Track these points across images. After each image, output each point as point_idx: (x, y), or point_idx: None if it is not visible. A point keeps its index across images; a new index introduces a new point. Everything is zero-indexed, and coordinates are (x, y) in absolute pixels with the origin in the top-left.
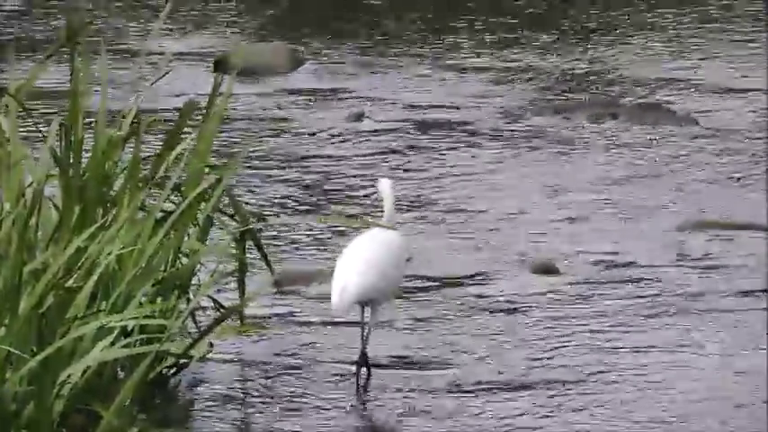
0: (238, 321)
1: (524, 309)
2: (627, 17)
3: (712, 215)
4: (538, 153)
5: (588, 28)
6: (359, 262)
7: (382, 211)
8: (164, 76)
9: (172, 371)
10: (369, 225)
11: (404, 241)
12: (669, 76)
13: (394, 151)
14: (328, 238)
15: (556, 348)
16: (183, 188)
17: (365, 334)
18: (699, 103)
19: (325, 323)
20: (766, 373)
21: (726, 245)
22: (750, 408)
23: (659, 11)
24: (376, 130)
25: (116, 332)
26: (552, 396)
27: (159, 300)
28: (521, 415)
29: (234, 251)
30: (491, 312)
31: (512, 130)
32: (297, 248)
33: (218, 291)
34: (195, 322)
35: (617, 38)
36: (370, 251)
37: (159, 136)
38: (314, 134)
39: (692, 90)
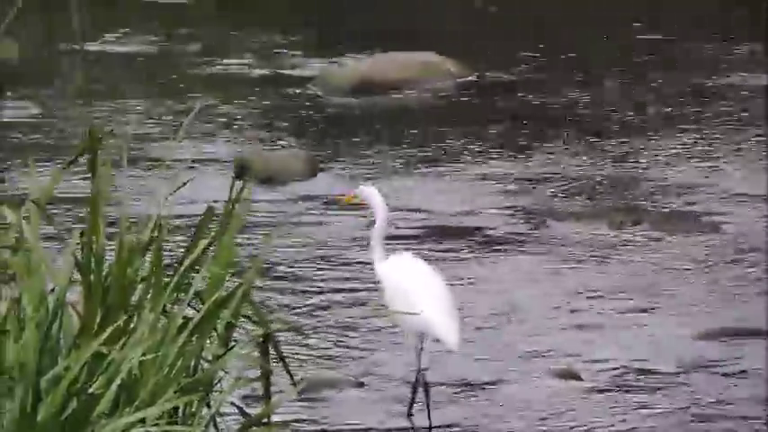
0: (264, 428)
1: (547, 415)
2: (650, 120)
3: (732, 322)
4: (559, 260)
5: (610, 131)
6: (444, 300)
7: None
8: (184, 185)
9: None
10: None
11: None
12: (693, 180)
13: None
14: (348, 345)
15: None
16: (204, 294)
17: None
18: (722, 208)
19: (351, 429)
20: None
21: (743, 352)
22: None
23: (684, 112)
24: (395, 237)
25: None
26: None
27: (181, 406)
28: None
29: (256, 357)
30: (513, 417)
31: (532, 237)
32: (319, 353)
33: (243, 397)
34: (217, 428)
35: (640, 141)
36: (440, 287)
37: (180, 242)
38: (331, 240)
39: (716, 195)
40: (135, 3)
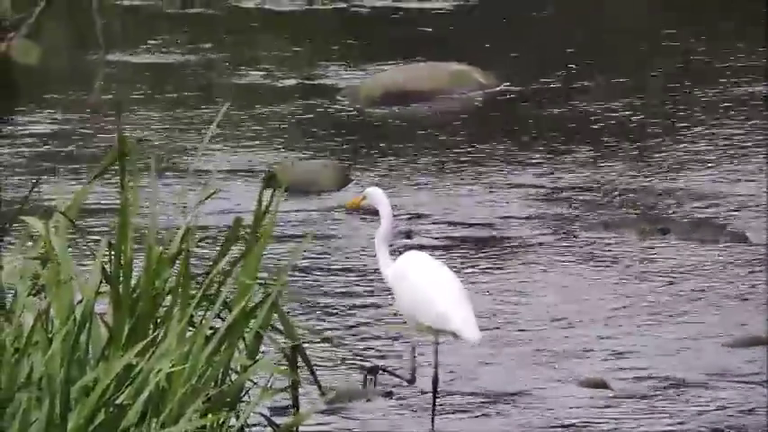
0: None
1: (575, 425)
2: (677, 128)
3: (760, 330)
4: (587, 268)
5: (637, 140)
6: (457, 294)
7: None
8: (212, 194)
9: None
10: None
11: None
12: (719, 189)
13: None
14: (377, 355)
15: None
16: (232, 304)
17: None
18: (749, 217)
19: None
20: None
21: None
22: None
23: (711, 120)
24: (424, 247)
25: None
26: None
27: (209, 416)
28: None
29: (284, 367)
30: (542, 428)
31: (560, 246)
32: (346, 363)
33: (270, 407)
34: None
35: (668, 150)
36: (451, 281)
37: (208, 253)
38: (359, 250)
39: (743, 204)
40: (164, 13)
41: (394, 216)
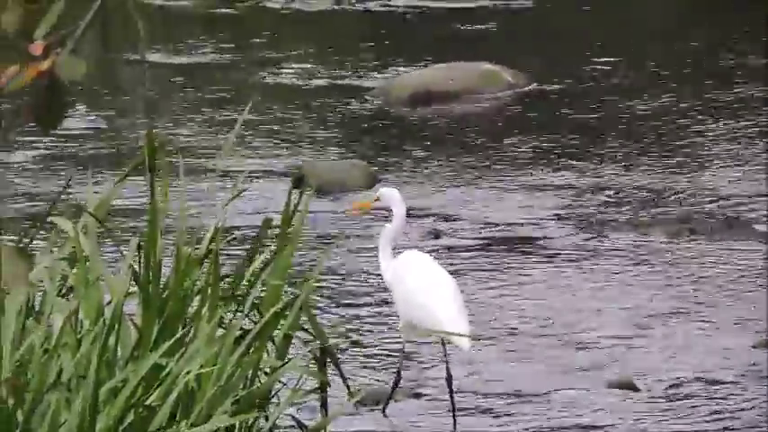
0: None
1: (603, 426)
2: (704, 129)
3: None
4: (616, 269)
5: (664, 141)
6: (453, 300)
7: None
8: (239, 194)
9: None
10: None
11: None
12: (747, 190)
13: (471, 270)
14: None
15: None
16: (261, 305)
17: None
18: None
19: None
20: None
21: None
22: None
23: (736, 122)
24: (452, 248)
25: None
26: None
27: (238, 418)
28: None
29: (313, 369)
30: (570, 428)
31: (589, 247)
32: (375, 366)
33: (299, 409)
34: None
35: (695, 151)
36: (448, 285)
37: (238, 253)
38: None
39: None
40: (194, 13)
41: (422, 216)
